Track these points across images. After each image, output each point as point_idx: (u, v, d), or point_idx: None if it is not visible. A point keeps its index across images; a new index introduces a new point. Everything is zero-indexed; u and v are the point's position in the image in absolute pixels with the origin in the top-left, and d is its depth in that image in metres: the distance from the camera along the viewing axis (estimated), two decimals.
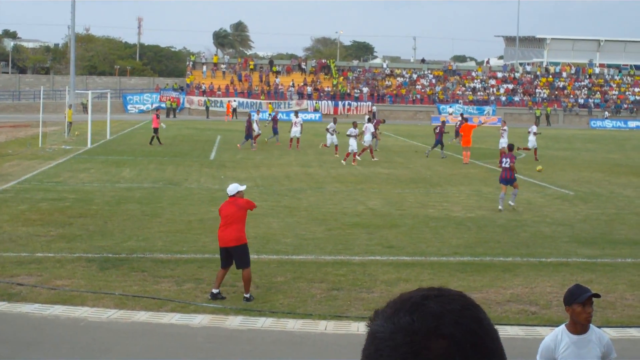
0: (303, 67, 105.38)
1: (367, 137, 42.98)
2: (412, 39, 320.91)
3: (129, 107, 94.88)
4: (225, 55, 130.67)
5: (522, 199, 28.22)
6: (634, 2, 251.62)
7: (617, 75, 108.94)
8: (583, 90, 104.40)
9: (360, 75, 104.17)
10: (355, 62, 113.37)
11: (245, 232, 15.25)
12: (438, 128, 46.96)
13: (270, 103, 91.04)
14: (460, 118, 48.08)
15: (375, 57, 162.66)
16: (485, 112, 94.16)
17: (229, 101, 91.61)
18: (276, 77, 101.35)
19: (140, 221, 22.78)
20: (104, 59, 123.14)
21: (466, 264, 18.37)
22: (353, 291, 15.71)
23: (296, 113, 52.87)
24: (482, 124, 61.16)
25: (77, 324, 13.41)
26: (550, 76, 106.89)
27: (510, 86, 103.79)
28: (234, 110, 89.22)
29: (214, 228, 21.18)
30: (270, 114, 65.91)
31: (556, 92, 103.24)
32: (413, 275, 17.07)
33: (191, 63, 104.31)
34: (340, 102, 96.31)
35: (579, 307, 7.56)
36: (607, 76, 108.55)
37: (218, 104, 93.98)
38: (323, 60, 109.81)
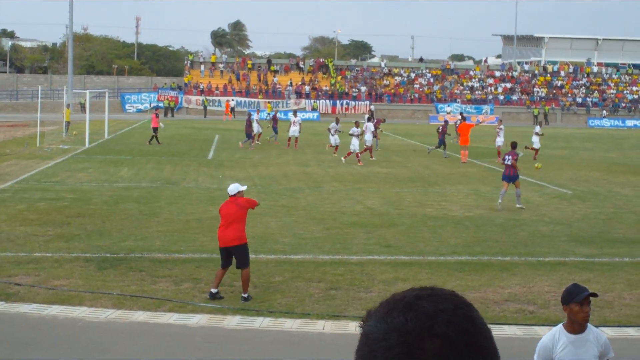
0: (301, 66, 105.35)
1: (368, 137, 42.98)
2: (410, 38, 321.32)
3: (127, 106, 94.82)
4: (223, 54, 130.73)
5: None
6: (632, 1, 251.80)
7: (615, 74, 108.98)
8: (581, 89, 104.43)
9: (358, 75, 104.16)
10: (353, 61, 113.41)
11: (245, 231, 15.25)
12: (440, 128, 46.92)
13: (269, 102, 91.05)
14: (459, 117, 48.04)
15: (373, 56, 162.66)
16: (483, 111, 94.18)
17: (227, 100, 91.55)
18: (274, 76, 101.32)
19: (138, 221, 22.77)
20: (101, 58, 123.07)
21: (464, 263, 18.37)
22: (351, 291, 15.71)
23: (295, 112, 52.81)
24: (480, 123, 61.15)
25: (75, 324, 13.40)
26: (548, 75, 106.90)
27: (508, 85, 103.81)
28: (232, 109, 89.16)
29: (212, 227, 21.20)
30: (269, 113, 65.94)
31: (554, 91, 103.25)
32: (411, 274, 17.07)
33: (189, 62, 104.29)
34: (338, 102, 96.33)
35: (577, 307, 7.56)
36: (605, 75, 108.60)
37: (216, 104, 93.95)
38: (321, 60, 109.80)
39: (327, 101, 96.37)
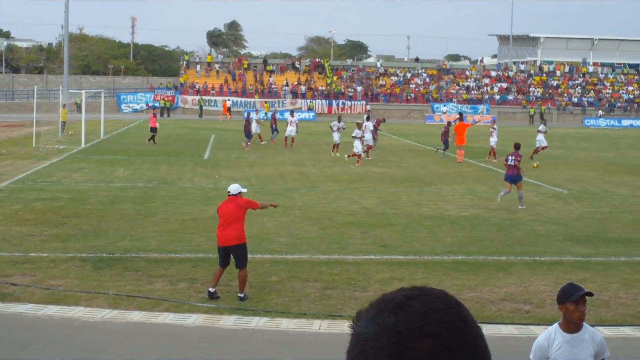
0: (297, 66, 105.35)
1: (368, 136, 42.94)
2: (406, 38, 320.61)
3: (122, 106, 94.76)
4: (219, 54, 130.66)
5: (516, 197, 28.23)
6: (628, 1, 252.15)
7: (611, 74, 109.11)
8: (577, 88, 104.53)
9: (354, 75, 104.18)
10: (349, 61, 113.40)
11: (244, 231, 15.26)
12: (444, 128, 46.81)
13: (266, 102, 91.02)
14: (458, 116, 48.01)
15: (369, 56, 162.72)
16: (479, 111, 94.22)
17: (224, 100, 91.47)
18: (270, 76, 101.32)
19: (134, 221, 22.76)
20: (97, 58, 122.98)
21: (460, 262, 18.37)
22: (347, 290, 15.71)
23: (292, 112, 52.80)
24: (476, 122, 61.19)
25: (71, 324, 13.39)
26: (544, 75, 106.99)
27: (504, 85, 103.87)
28: (229, 109, 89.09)
29: (208, 227, 21.21)
30: (266, 113, 65.95)
31: (550, 91, 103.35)
32: (407, 274, 17.08)
33: (185, 62, 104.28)
34: (334, 101, 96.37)
35: (572, 306, 7.56)
36: (600, 75, 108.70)
37: (212, 104, 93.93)
38: (317, 60, 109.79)
39: (323, 101, 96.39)
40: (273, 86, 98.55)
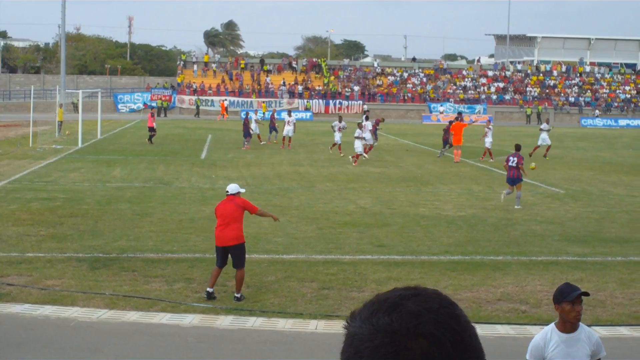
0: (294, 66, 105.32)
1: (367, 136, 42.94)
2: (403, 37, 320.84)
3: (119, 106, 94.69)
4: (216, 54, 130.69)
5: (512, 197, 28.25)
6: (625, 1, 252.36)
7: (608, 74, 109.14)
8: (574, 88, 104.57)
9: (351, 74, 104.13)
10: (346, 61, 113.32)
11: (243, 231, 15.26)
12: (446, 128, 46.76)
13: (264, 102, 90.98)
14: (457, 116, 47.95)
15: (366, 55, 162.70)
16: (476, 111, 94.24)
17: (223, 100, 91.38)
18: (267, 76, 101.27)
19: (130, 221, 22.75)
20: (94, 58, 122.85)
21: (457, 262, 18.39)
22: (344, 290, 15.71)
23: (289, 112, 52.80)
24: (474, 122, 61.21)
25: (68, 324, 13.39)
26: (541, 74, 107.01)
27: (501, 85, 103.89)
28: (226, 109, 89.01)
29: (205, 227, 21.22)
30: (264, 113, 65.91)
31: (547, 91, 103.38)
32: (404, 274, 17.09)
33: (182, 62, 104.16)
34: (331, 101, 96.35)
35: (568, 306, 7.57)
36: (597, 74, 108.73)
37: (209, 103, 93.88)
38: (314, 59, 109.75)
39: (320, 101, 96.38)
40: (270, 86, 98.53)
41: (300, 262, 18.06)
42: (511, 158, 27.23)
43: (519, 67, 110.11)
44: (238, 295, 14.95)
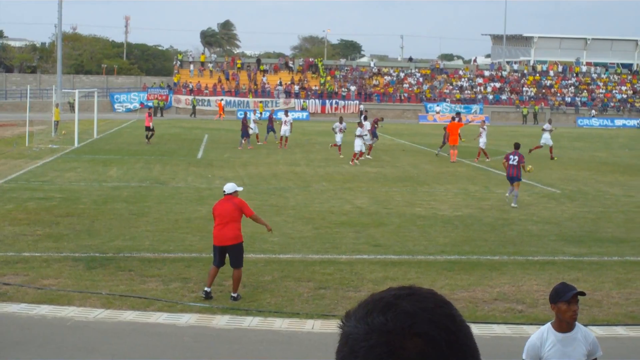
0: (290, 65, 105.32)
1: (367, 136, 42.95)
2: (399, 37, 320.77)
3: (116, 106, 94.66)
4: (213, 54, 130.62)
5: (511, 197, 28.30)
6: (621, 1, 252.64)
7: (604, 74, 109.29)
8: (570, 88, 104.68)
9: (347, 74, 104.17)
10: (342, 61, 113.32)
11: (241, 231, 15.25)
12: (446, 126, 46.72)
13: (260, 102, 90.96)
14: (455, 116, 47.89)
15: (363, 55, 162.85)
16: (472, 111, 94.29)
17: (220, 100, 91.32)
18: (263, 75, 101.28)
19: (127, 220, 22.73)
20: (91, 57, 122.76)
21: (453, 262, 18.39)
22: (340, 290, 15.71)
23: (286, 112, 52.77)
24: (470, 122, 61.18)
25: (64, 324, 13.37)
26: (538, 74, 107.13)
27: (498, 85, 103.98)
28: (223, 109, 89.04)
29: (201, 227, 21.22)
30: (261, 113, 65.90)
31: (543, 91, 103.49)
32: (400, 274, 17.09)
33: (178, 62, 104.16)
34: (327, 101, 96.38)
35: (565, 305, 7.58)
36: (593, 74, 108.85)
37: (205, 103, 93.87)
38: (310, 59, 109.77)
39: (317, 101, 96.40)
40: (266, 86, 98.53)
41: (297, 262, 18.06)
42: (511, 156, 27.26)
43: (516, 67, 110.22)
44: (235, 295, 14.95)
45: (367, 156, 42.26)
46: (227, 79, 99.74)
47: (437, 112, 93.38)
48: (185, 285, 15.83)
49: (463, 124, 47.57)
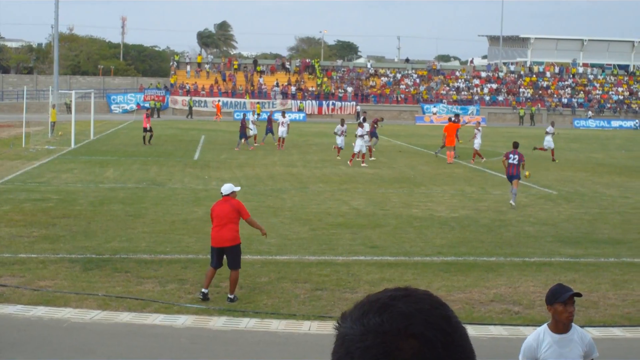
0: (287, 66, 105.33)
1: (366, 136, 42.93)
2: (396, 38, 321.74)
3: (112, 107, 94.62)
4: (209, 55, 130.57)
5: (505, 198, 28.32)
6: (617, 2, 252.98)
7: (601, 75, 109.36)
8: (567, 89, 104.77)
9: (344, 75, 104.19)
10: (339, 62, 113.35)
11: (239, 232, 15.25)
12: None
13: (257, 103, 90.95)
14: (453, 117, 47.84)
15: (360, 56, 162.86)
16: (469, 112, 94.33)
17: (217, 102, 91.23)
18: (260, 76, 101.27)
19: (123, 222, 22.72)
20: (87, 58, 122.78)
21: (450, 263, 18.40)
22: (337, 291, 15.71)
23: (283, 113, 52.82)
24: (467, 123, 61.20)
25: (61, 325, 13.37)
26: (534, 76, 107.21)
27: (494, 86, 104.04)
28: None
29: (198, 228, 21.22)
30: (258, 114, 65.90)
31: (540, 92, 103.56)
32: (397, 275, 17.09)
33: (175, 63, 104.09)
34: (324, 102, 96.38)
35: (561, 307, 7.58)
36: (590, 76, 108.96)
37: (202, 104, 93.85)
38: (307, 60, 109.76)
39: (314, 102, 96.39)
40: (263, 87, 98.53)
41: (294, 263, 18.06)
42: (511, 155, 27.29)
43: (512, 68, 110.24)
44: (231, 296, 14.94)
45: (370, 158, 42.28)
46: (224, 80, 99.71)
47: (434, 113, 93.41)
48: (182, 287, 15.82)
49: (460, 125, 47.59)
